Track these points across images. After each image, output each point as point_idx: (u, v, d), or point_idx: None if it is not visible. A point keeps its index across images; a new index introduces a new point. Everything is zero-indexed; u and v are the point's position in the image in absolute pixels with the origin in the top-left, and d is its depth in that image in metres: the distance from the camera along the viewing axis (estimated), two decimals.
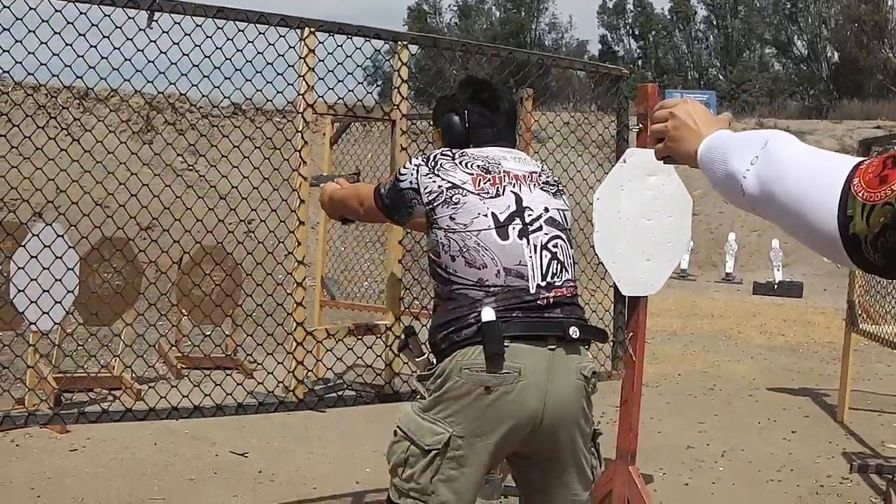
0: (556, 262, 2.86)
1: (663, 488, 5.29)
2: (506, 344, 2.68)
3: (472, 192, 2.84)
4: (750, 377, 8.91)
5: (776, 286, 15.84)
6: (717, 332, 11.65)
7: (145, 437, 5.58)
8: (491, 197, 2.84)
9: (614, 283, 4.56)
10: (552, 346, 2.74)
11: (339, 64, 3.80)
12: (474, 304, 2.75)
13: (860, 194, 1.29)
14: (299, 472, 5.34)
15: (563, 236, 2.94)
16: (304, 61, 3.72)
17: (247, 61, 3.65)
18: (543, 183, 2.98)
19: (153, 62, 3.43)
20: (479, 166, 2.89)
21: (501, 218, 2.82)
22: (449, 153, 2.95)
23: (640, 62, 47.14)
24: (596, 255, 4.43)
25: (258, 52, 3.67)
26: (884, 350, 8.97)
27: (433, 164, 2.91)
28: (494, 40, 37.00)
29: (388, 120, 3.94)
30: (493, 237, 2.79)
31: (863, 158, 1.35)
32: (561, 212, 2.98)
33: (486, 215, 2.81)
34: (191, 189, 4.21)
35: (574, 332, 2.78)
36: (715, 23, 46.42)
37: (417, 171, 2.93)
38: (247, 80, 3.67)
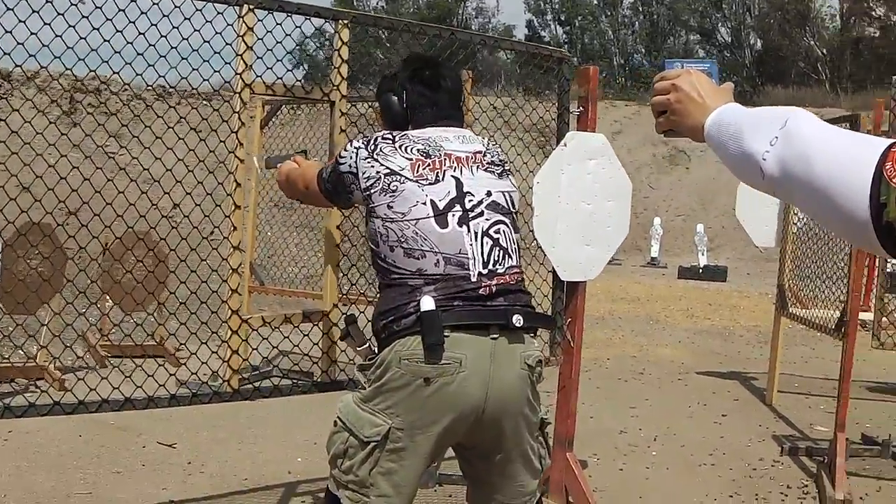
0: (498, 248, 2.78)
1: (598, 474, 5.27)
2: (446, 334, 2.61)
3: (411, 179, 2.75)
4: (679, 361, 8.98)
5: (701, 270, 16.03)
6: (645, 316, 11.73)
7: (70, 429, 5.40)
8: (430, 183, 2.75)
9: (553, 269, 4.51)
10: (495, 336, 2.68)
11: (278, 42, 3.68)
12: (414, 293, 2.68)
13: (894, 180, 1.22)
14: (230, 463, 5.22)
15: (507, 221, 2.85)
16: (243, 39, 3.60)
17: (183, 39, 3.51)
18: (488, 164, 2.88)
19: (85, 38, 3.27)
20: (419, 150, 2.80)
21: (441, 205, 2.74)
22: (389, 136, 2.85)
23: (566, 47, 47.32)
24: (535, 239, 4.39)
25: (195, 30, 3.53)
26: (808, 333, 9.11)
27: (373, 147, 2.82)
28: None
29: (327, 101, 3.83)
30: (432, 226, 2.72)
31: (894, 140, 1.28)
32: (506, 194, 2.89)
33: (424, 203, 2.73)
34: (121, 172, 4.06)
35: (517, 320, 2.71)
36: (641, 9, 46.83)
37: (357, 155, 2.84)
38: (182, 59, 3.53)
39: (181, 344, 4.23)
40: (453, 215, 2.74)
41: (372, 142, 2.84)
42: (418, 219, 2.72)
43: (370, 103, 3.70)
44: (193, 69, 3.60)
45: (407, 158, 2.78)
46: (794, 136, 1.37)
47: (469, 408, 2.66)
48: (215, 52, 3.66)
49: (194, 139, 3.99)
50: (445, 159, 2.80)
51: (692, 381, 8.09)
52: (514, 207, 2.92)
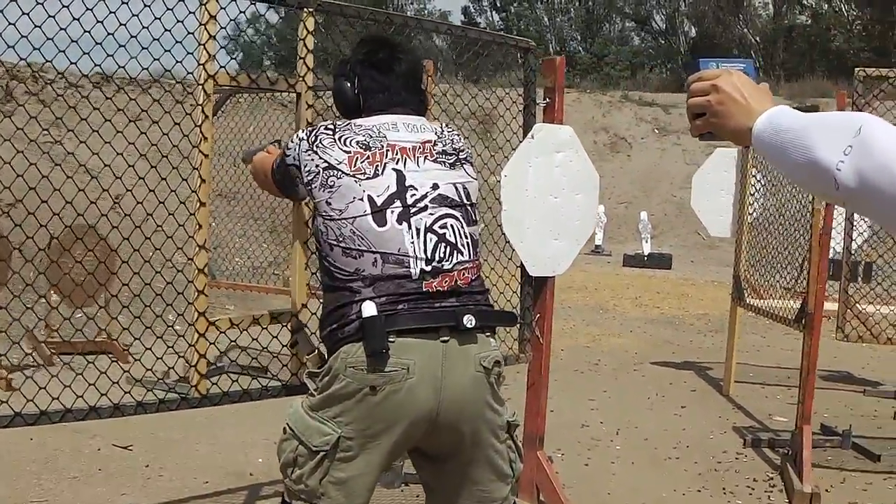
0: (444, 244, 2.61)
1: (565, 470, 5.20)
2: (391, 339, 2.47)
3: (347, 174, 2.59)
4: (632, 351, 8.96)
5: (646, 258, 16.07)
6: (594, 305, 11.71)
7: (20, 431, 5.16)
8: (368, 178, 2.59)
9: (521, 264, 4.43)
10: (445, 338, 2.53)
11: (241, 32, 3.52)
12: (355, 297, 2.54)
13: None
14: (189, 464, 5.06)
15: (458, 214, 2.67)
16: (205, 28, 3.44)
17: (143, 27, 3.34)
18: (438, 153, 2.71)
19: (40, 27, 3.09)
20: (358, 143, 2.63)
21: (379, 201, 2.58)
22: (331, 127, 2.69)
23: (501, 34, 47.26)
24: (503, 233, 4.30)
25: (155, 18, 3.36)
26: (758, 321, 9.18)
27: (314, 139, 2.67)
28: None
29: (292, 92, 3.69)
30: (370, 224, 2.56)
31: None
32: (458, 186, 2.71)
33: (361, 199, 2.58)
34: (65, 163, 3.88)
35: (468, 320, 2.55)
36: None
37: (299, 147, 2.71)
38: (143, 49, 3.36)
39: (135, 338, 4.05)
40: (392, 212, 2.58)
41: (312, 133, 2.70)
42: (355, 216, 2.57)
43: None
44: (155, 59, 3.44)
45: (345, 151, 2.62)
46: (871, 145, 1.29)
47: (421, 415, 2.53)
48: (177, 42, 3.48)
49: (136, 130, 3.82)
50: (388, 151, 2.64)
51: (648, 372, 8.08)
52: (468, 199, 2.74)
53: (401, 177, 2.62)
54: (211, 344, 3.45)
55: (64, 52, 3.17)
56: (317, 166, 2.62)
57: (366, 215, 2.56)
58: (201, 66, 3.47)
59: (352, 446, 2.52)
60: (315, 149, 2.65)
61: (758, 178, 7.02)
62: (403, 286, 2.54)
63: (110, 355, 5.00)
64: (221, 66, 3.51)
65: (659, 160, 21.48)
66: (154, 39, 3.44)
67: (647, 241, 16.48)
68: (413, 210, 2.60)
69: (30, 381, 3.40)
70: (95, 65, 3.25)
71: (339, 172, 2.59)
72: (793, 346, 9.05)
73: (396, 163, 2.63)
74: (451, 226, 2.64)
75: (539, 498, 4.50)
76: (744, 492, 5.10)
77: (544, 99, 4.50)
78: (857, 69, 5.35)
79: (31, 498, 4.46)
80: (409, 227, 2.58)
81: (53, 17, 3.09)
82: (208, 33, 3.47)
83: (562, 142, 4.42)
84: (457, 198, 2.69)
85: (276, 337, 3.62)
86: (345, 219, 2.57)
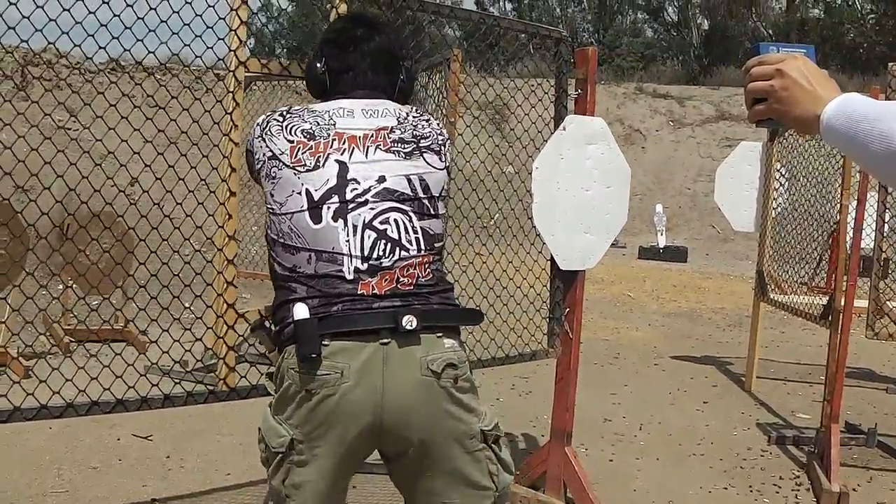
0: (384, 241, 2.40)
1: (589, 465, 5.11)
2: (325, 342, 2.31)
3: (288, 166, 2.41)
4: (651, 345, 8.89)
5: (661, 251, 15.98)
6: (611, 298, 11.64)
7: (39, 422, 5.12)
8: (308, 170, 2.40)
9: (551, 257, 4.35)
10: (385, 341, 2.33)
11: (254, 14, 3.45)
12: (292, 296, 2.40)
13: None
14: (210, 456, 5.00)
15: (406, 208, 2.44)
16: (237, 14, 3.38)
17: (174, 12, 3.27)
18: (394, 142, 2.48)
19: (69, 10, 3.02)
20: (303, 131, 2.45)
21: (316, 196, 2.39)
22: (283, 113, 2.51)
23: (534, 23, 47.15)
24: (533, 226, 4.22)
25: (186, 2, 3.29)
26: (775, 315, 9.11)
27: (265, 125, 2.50)
28: None
29: None
30: (306, 220, 2.38)
31: None
32: (413, 177, 2.47)
33: (300, 193, 2.39)
34: (89, 153, 3.81)
35: (409, 321, 2.33)
36: None
37: (253, 133, 2.53)
38: (173, 34, 3.29)
39: (152, 320, 3.95)
40: (328, 208, 2.38)
41: (265, 119, 2.52)
42: (293, 212, 2.40)
43: None
44: (185, 45, 3.37)
45: (289, 141, 2.44)
46: None
47: (359, 421, 2.35)
48: (208, 27, 3.42)
49: (164, 117, 3.75)
50: (334, 140, 2.44)
51: (668, 366, 8.00)
52: (425, 192, 2.49)
53: (343, 169, 2.42)
54: (241, 337, 3.38)
55: (93, 36, 3.10)
56: (264, 155, 2.46)
57: (302, 211, 2.39)
58: (232, 53, 3.41)
59: (303, 449, 2.38)
60: (264, 136, 2.48)
61: (782, 173, 6.94)
62: (338, 286, 2.36)
63: (121, 343, 4.92)
64: (252, 55, 3.44)
65: (673, 153, 21.36)
66: (185, 24, 3.36)
67: (662, 234, 16.38)
68: (351, 206, 2.39)
69: (50, 371, 3.29)
70: (125, 50, 3.18)
71: (281, 163, 2.43)
72: (811, 341, 9.01)
73: (342, 153, 2.43)
74: (396, 220, 2.43)
75: (566, 494, 4.43)
76: (770, 490, 5.03)
77: (576, 90, 4.43)
78: (890, 64, 5.25)
79: (52, 488, 4.40)
80: (346, 225, 2.38)
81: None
82: (240, 19, 3.41)
83: (594, 133, 4.34)
84: (407, 191, 2.46)
85: None
86: (284, 214, 2.41)
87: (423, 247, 2.45)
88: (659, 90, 23.76)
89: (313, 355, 2.29)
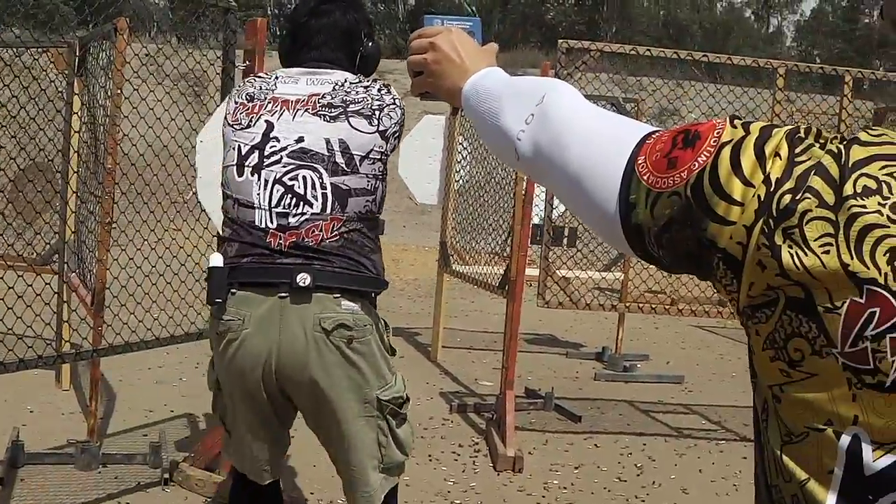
0: (290, 195, 2.62)
1: None
2: (232, 291, 2.60)
3: (229, 125, 2.73)
4: None
5: None
6: None
7: None
8: (242, 128, 2.69)
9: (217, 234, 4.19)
10: (283, 294, 2.58)
11: None
12: (225, 238, 2.74)
13: (645, 177, 1.03)
14: None
15: (319, 167, 2.63)
16: None
17: None
18: (322, 106, 2.68)
19: None
20: (247, 94, 2.73)
21: (244, 151, 2.67)
22: (251, 80, 2.84)
23: None
24: (199, 203, 4.04)
25: None
26: (466, 286, 9.31)
27: (234, 90, 2.88)
28: None
29: None
30: (234, 173, 2.68)
31: (653, 129, 1.09)
32: (333, 139, 2.65)
33: (233, 149, 2.69)
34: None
35: (303, 279, 2.56)
36: None
37: (230, 96, 2.90)
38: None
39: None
40: (250, 163, 2.66)
41: (239, 86, 2.92)
42: (228, 166, 2.71)
43: None
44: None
45: (236, 103, 2.75)
46: (549, 115, 1.19)
47: (255, 367, 2.61)
48: None
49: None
50: (269, 103, 2.69)
51: None
52: (345, 153, 2.65)
53: (269, 128, 2.66)
54: None
55: None
56: (226, 115, 2.77)
57: (232, 165, 2.68)
58: None
59: (224, 386, 2.73)
60: (230, 99, 2.82)
61: (464, 146, 7.07)
62: (252, 232, 2.62)
63: None
64: None
65: None
66: None
67: None
68: (267, 162, 2.64)
69: None
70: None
71: (226, 122, 2.74)
72: (499, 310, 9.24)
73: (272, 115, 2.67)
74: (305, 177, 2.63)
75: None
76: (449, 458, 5.11)
77: (244, 61, 4.29)
78: (560, 41, 5.43)
79: None
80: (259, 178, 2.63)
81: None
82: None
83: None
84: (324, 151, 2.65)
85: None
86: (224, 167, 2.72)
87: (330, 205, 2.62)
88: None
89: (217, 300, 2.60)
